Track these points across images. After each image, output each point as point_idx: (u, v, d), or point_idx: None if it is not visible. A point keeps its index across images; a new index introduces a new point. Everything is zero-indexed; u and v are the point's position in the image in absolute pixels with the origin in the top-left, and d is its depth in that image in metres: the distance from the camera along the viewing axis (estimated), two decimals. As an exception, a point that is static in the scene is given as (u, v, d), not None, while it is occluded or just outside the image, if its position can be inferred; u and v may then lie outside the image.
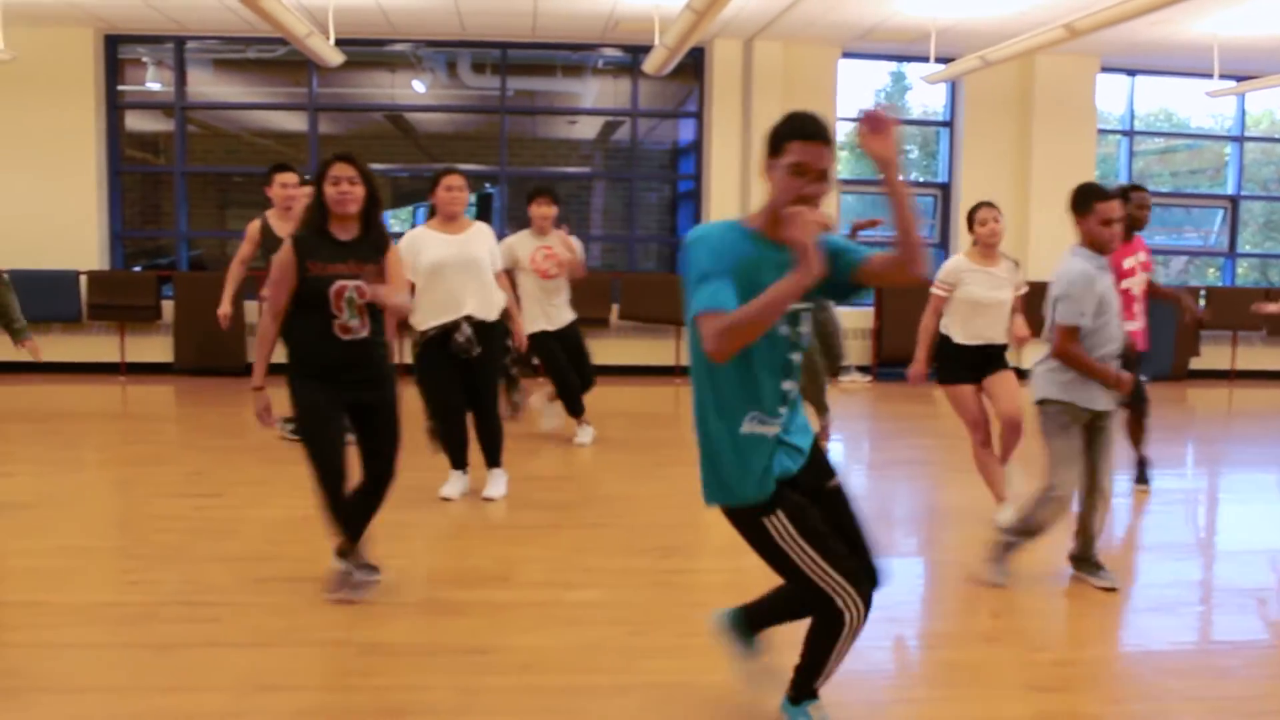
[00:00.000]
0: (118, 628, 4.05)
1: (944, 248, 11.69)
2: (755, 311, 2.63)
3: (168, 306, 10.73)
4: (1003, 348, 5.61)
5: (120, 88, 11.16)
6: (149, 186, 12.01)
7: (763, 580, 3.12)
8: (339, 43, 9.19)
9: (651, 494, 6.26)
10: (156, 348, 10.77)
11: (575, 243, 7.23)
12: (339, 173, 4.10)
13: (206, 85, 11.81)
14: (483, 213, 13.23)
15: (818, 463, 3.05)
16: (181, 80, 11.16)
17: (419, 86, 11.99)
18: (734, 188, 10.91)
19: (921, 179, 13.00)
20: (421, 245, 5.68)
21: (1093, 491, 4.60)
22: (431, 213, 5.88)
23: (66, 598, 4.36)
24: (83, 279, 10.65)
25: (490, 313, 5.75)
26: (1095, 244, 4.38)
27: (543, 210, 7.12)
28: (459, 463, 5.97)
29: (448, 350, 5.64)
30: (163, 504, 5.83)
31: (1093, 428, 4.52)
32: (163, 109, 11.60)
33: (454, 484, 5.94)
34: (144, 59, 11.60)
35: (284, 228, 6.57)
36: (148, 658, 3.79)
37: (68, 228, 10.70)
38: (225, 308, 6.98)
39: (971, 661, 3.90)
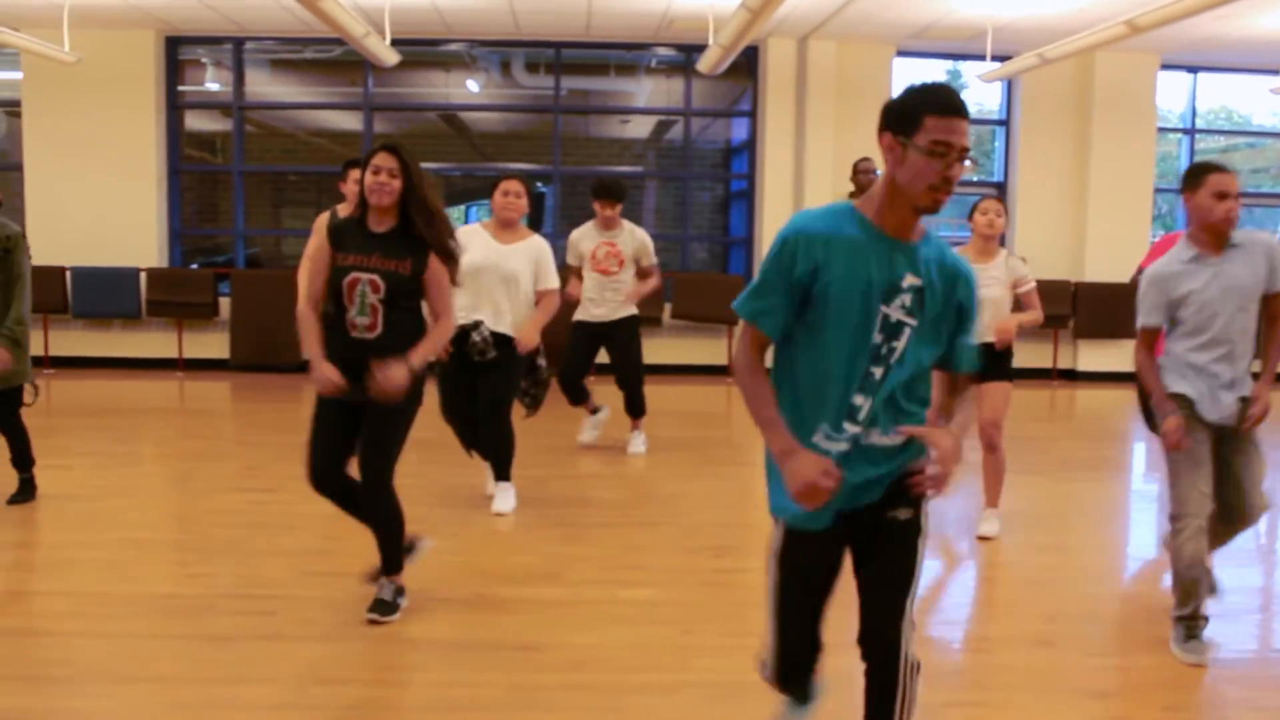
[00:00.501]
0: (176, 619, 4.11)
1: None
2: (752, 406, 2.49)
3: (224, 303, 10.86)
4: (1003, 351, 5.41)
5: (180, 88, 11.31)
6: (207, 185, 12.18)
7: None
8: (394, 43, 9.25)
9: (703, 493, 6.25)
10: (213, 344, 10.91)
11: (644, 236, 7.08)
12: (380, 162, 3.96)
13: (264, 85, 11.95)
14: (535, 212, 13.30)
15: (893, 492, 2.56)
16: (240, 80, 11.29)
17: (473, 86, 12.06)
18: (787, 187, 10.86)
19: (975, 178, 12.88)
20: (467, 244, 5.59)
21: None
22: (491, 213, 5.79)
23: (126, 589, 4.44)
24: (142, 276, 10.82)
25: (508, 326, 5.54)
26: (1206, 224, 3.92)
27: (605, 211, 6.95)
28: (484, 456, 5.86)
29: (464, 351, 5.48)
30: (219, 498, 5.90)
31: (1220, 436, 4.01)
32: (221, 109, 11.75)
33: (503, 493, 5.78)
34: (203, 60, 11.76)
35: None
36: (205, 649, 3.84)
37: (129, 226, 10.86)
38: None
39: (1025, 665, 3.86)
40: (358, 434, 4.03)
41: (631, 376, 7.19)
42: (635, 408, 7.25)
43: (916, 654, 2.58)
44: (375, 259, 3.95)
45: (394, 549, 4.12)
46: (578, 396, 7.19)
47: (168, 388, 10.11)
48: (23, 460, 5.68)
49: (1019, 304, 5.46)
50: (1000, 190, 11.58)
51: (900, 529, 2.56)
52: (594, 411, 7.33)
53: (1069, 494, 6.41)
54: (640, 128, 12.50)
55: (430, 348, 4.02)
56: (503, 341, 5.52)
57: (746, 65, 11.06)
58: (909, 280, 2.43)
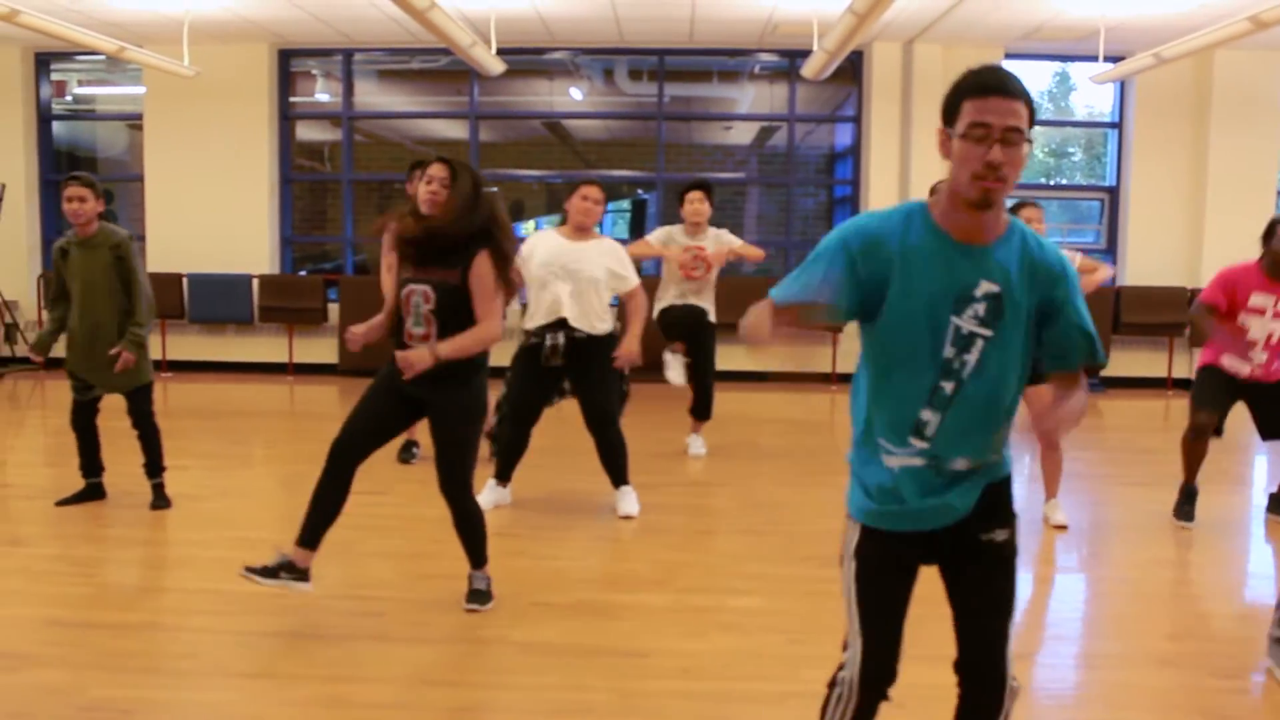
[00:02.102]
0: (288, 617, 4.18)
1: (1112, 252, 11.27)
2: (751, 324, 2.31)
3: (333, 309, 11.09)
4: None
5: (291, 99, 11.59)
6: (316, 194, 12.46)
7: (923, 591, 2.99)
8: (500, 52, 9.36)
9: (808, 501, 6.18)
10: (322, 349, 11.14)
11: (731, 239, 7.04)
12: (434, 172, 4.03)
13: (372, 96, 12.19)
14: (637, 219, 13.33)
15: (985, 511, 2.41)
16: (349, 91, 11.53)
17: (576, 94, 12.14)
18: (892, 192, 10.72)
19: (1085, 181, 12.59)
20: (537, 247, 5.56)
21: None
22: (563, 220, 5.72)
23: (240, 587, 4.50)
24: (255, 283, 11.10)
25: (591, 326, 5.51)
26: None
27: (695, 207, 6.88)
28: (502, 474, 5.81)
29: (537, 360, 5.50)
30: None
31: None
32: (330, 119, 12.01)
33: (488, 494, 5.70)
34: (313, 71, 12.03)
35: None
36: (317, 648, 3.91)
37: (242, 234, 11.16)
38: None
39: (1146, 684, 3.73)
40: (400, 428, 4.25)
41: (707, 376, 7.12)
42: (703, 410, 7.18)
43: (1016, 679, 2.46)
44: (428, 270, 4.02)
45: (478, 545, 4.27)
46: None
47: (278, 391, 10.35)
48: (156, 466, 5.77)
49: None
50: (1112, 195, 11.28)
51: (996, 551, 2.41)
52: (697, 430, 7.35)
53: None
54: (743, 134, 12.46)
55: (461, 345, 4.01)
56: (586, 343, 5.48)
57: (851, 70, 10.95)
58: (984, 288, 2.24)
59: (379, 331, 4.33)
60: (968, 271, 2.24)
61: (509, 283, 4.14)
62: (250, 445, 7.96)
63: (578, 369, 5.53)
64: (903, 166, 10.68)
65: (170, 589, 4.57)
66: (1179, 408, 6.32)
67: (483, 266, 4.01)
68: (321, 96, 12.24)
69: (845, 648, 2.52)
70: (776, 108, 11.69)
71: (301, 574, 4.10)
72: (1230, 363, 5.60)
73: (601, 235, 5.77)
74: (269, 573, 4.06)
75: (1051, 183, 12.62)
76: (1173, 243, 10.79)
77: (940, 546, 2.41)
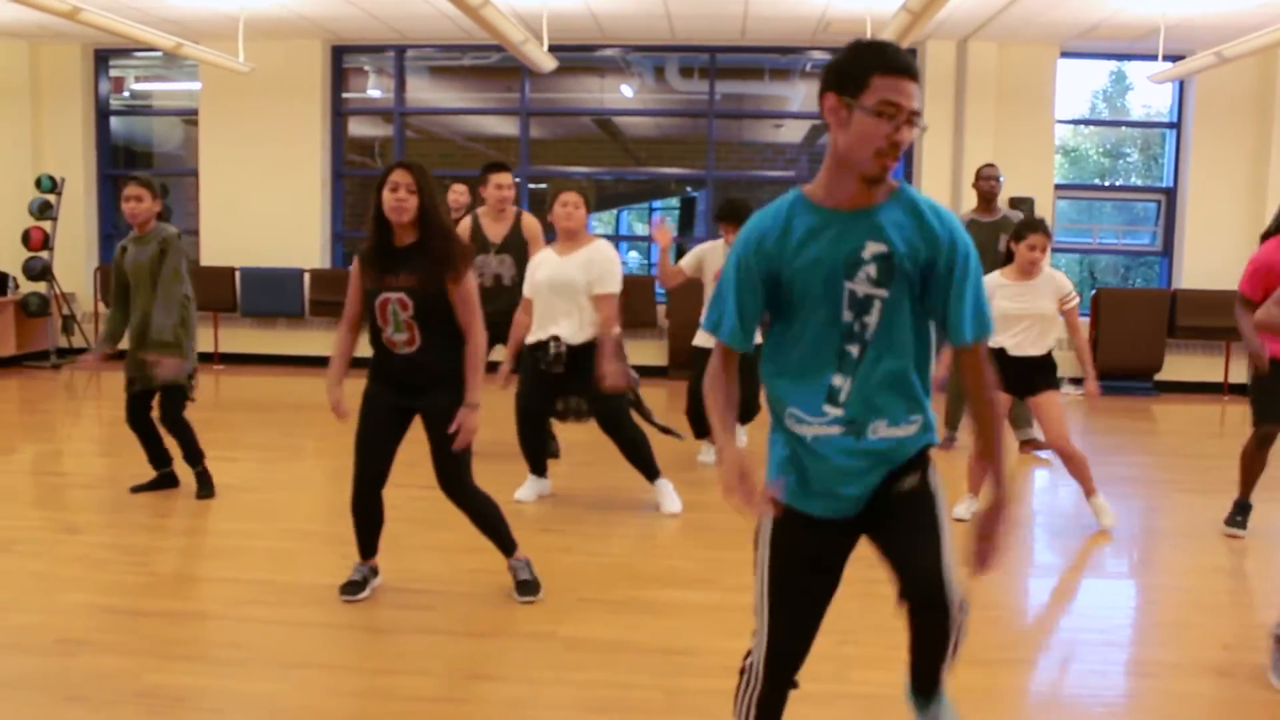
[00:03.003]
0: (338, 609, 4.22)
1: (1168, 255, 11.11)
2: (711, 410, 2.44)
3: (383, 304, 11.15)
4: (1047, 364, 5.57)
5: (344, 95, 11.69)
6: (367, 189, 12.50)
7: (973, 593, 2.97)
8: (551, 49, 9.38)
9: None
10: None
11: None
12: (398, 179, 3.98)
13: (423, 92, 12.26)
14: (686, 216, 13.32)
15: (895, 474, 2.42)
16: (400, 87, 11.60)
17: (627, 91, 12.14)
18: (944, 191, 10.63)
19: (1141, 183, 12.42)
20: (538, 265, 5.72)
21: None
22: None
23: (291, 578, 4.58)
24: (306, 277, 11.20)
25: (583, 335, 5.59)
26: None
27: (730, 236, 6.78)
28: (535, 467, 5.94)
29: (537, 362, 5.63)
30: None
31: None
32: (382, 115, 12.09)
33: (528, 488, 5.93)
34: (366, 68, 12.13)
35: (495, 229, 6.68)
36: (366, 639, 3.94)
37: (294, 228, 11.28)
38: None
39: (1201, 694, 3.66)
40: (402, 435, 4.23)
41: (751, 384, 6.98)
42: (745, 413, 7.06)
43: (965, 595, 2.42)
44: (401, 278, 4.02)
45: (499, 534, 4.37)
46: (704, 428, 6.87)
47: (328, 385, 10.42)
48: (193, 456, 5.90)
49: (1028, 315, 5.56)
50: (1169, 196, 11.12)
51: (910, 498, 2.40)
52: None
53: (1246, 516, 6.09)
54: (793, 132, 12.41)
55: (476, 377, 4.08)
56: (579, 350, 5.56)
57: (903, 68, 10.86)
58: (871, 249, 2.26)
59: (342, 369, 4.31)
60: (853, 236, 2.27)
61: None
62: (301, 438, 8.04)
63: (575, 376, 5.60)
64: (955, 165, 10.58)
65: (222, 579, 4.62)
66: (1234, 413, 6.22)
67: (469, 284, 4.07)
68: (373, 93, 12.34)
69: (754, 631, 2.55)
70: (828, 106, 11.61)
71: (376, 571, 4.44)
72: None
73: (596, 240, 5.75)
74: (356, 588, 4.30)
75: (1107, 183, 12.46)
76: (1230, 245, 10.59)
77: (851, 529, 2.45)
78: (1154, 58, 9.52)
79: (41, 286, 11.10)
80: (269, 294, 11.20)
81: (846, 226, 2.28)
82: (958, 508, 5.64)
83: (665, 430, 6.16)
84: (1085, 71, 11.68)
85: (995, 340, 5.47)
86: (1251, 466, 5.61)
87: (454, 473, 4.19)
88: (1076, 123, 12.01)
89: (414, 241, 4.05)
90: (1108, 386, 10.68)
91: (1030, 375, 5.49)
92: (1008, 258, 5.62)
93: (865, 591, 4.56)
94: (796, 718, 3.40)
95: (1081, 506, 5.91)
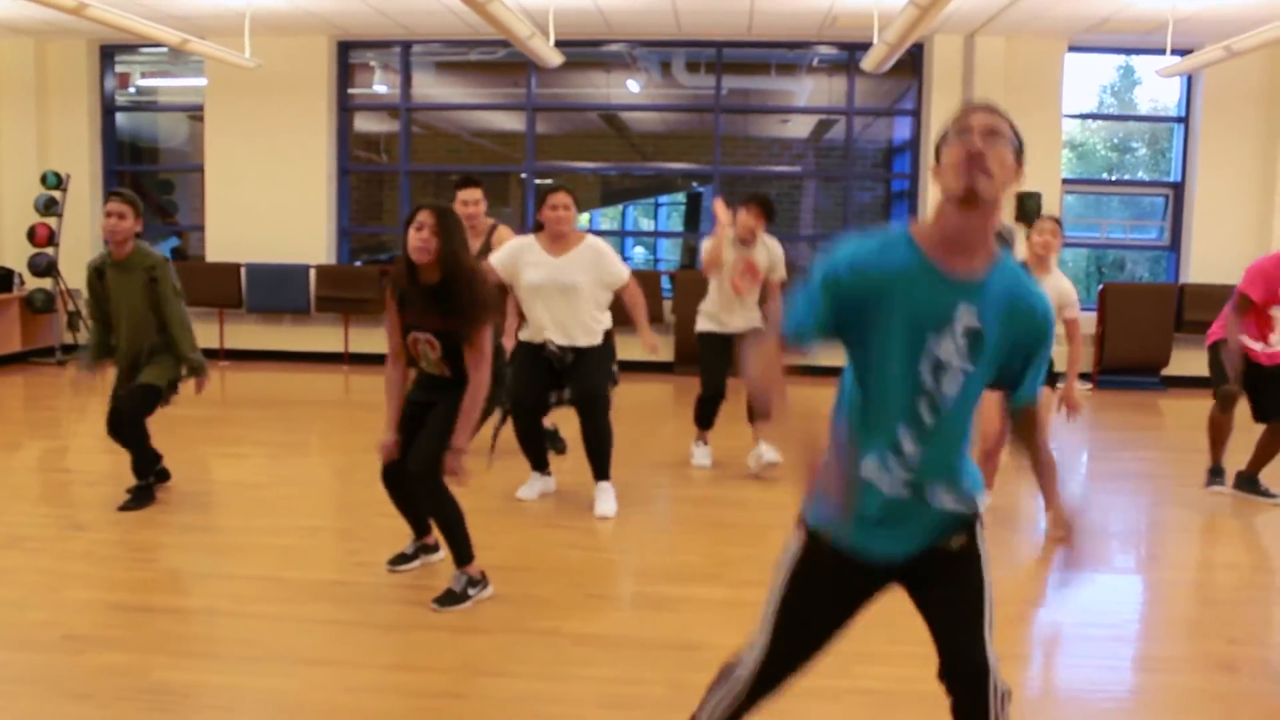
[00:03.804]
0: (345, 605, 4.22)
1: (1175, 250, 11.08)
2: (756, 377, 2.29)
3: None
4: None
5: (350, 91, 11.69)
6: (373, 185, 12.55)
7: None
8: (557, 44, 9.37)
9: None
10: (378, 339, 11.21)
11: (775, 247, 6.79)
12: (424, 219, 4.07)
13: (429, 87, 12.25)
14: (692, 211, 13.31)
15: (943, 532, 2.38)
16: (407, 83, 11.60)
17: (633, 86, 12.12)
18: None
19: (1149, 177, 12.39)
20: (524, 262, 5.60)
21: None
22: (538, 227, 5.72)
23: (299, 574, 4.59)
24: (312, 273, 11.21)
25: (582, 338, 5.61)
26: None
27: (747, 221, 6.64)
28: (537, 464, 5.90)
29: (538, 354, 5.64)
30: (384, 490, 6.04)
31: None
32: (389, 110, 12.09)
33: (531, 485, 5.90)
34: (371, 63, 12.12)
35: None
36: (374, 636, 3.94)
37: (300, 224, 11.28)
38: None
39: (1209, 690, 3.65)
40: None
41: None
42: (710, 418, 6.81)
43: (1006, 682, 2.37)
44: (430, 319, 4.16)
45: (456, 539, 4.27)
46: (710, 420, 6.79)
47: (334, 380, 10.45)
48: (143, 467, 5.64)
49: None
50: (1176, 191, 11.09)
51: (957, 558, 2.36)
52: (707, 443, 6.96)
53: (1255, 510, 6.08)
54: (800, 127, 12.39)
55: (467, 424, 4.15)
56: (576, 353, 5.61)
57: (910, 62, 10.85)
58: (964, 321, 2.22)
59: (398, 410, 4.42)
60: (949, 300, 2.21)
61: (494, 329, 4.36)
62: (307, 434, 8.04)
63: (573, 369, 5.64)
64: (961, 161, 10.56)
65: (229, 575, 4.63)
66: (1242, 408, 6.21)
67: (484, 337, 4.16)
68: (380, 88, 12.33)
69: (749, 645, 2.49)
70: (835, 101, 11.60)
71: (433, 548, 4.68)
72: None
73: (585, 236, 5.72)
74: (406, 559, 4.58)
75: (1114, 178, 12.43)
76: (1238, 240, 10.57)
77: (905, 569, 2.39)
78: (1162, 52, 9.49)
79: (47, 283, 11.11)
80: (275, 290, 11.20)
81: (945, 290, 2.22)
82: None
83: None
84: (1093, 66, 11.64)
85: None
86: (1218, 432, 6.13)
87: (428, 459, 4.18)
88: (1084, 117, 11.97)
89: (439, 281, 4.11)
90: (1115, 381, 10.67)
91: None
92: None
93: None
94: (802, 714, 3.41)
95: (1090, 501, 5.89)
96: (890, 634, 3.98)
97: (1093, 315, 10.84)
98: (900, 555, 2.36)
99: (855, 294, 2.22)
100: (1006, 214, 8.05)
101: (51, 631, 3.88)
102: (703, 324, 6.72)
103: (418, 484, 4.25)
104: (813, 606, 2.42)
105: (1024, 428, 2.44)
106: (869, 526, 2.33)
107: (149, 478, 5.66)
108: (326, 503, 6.03)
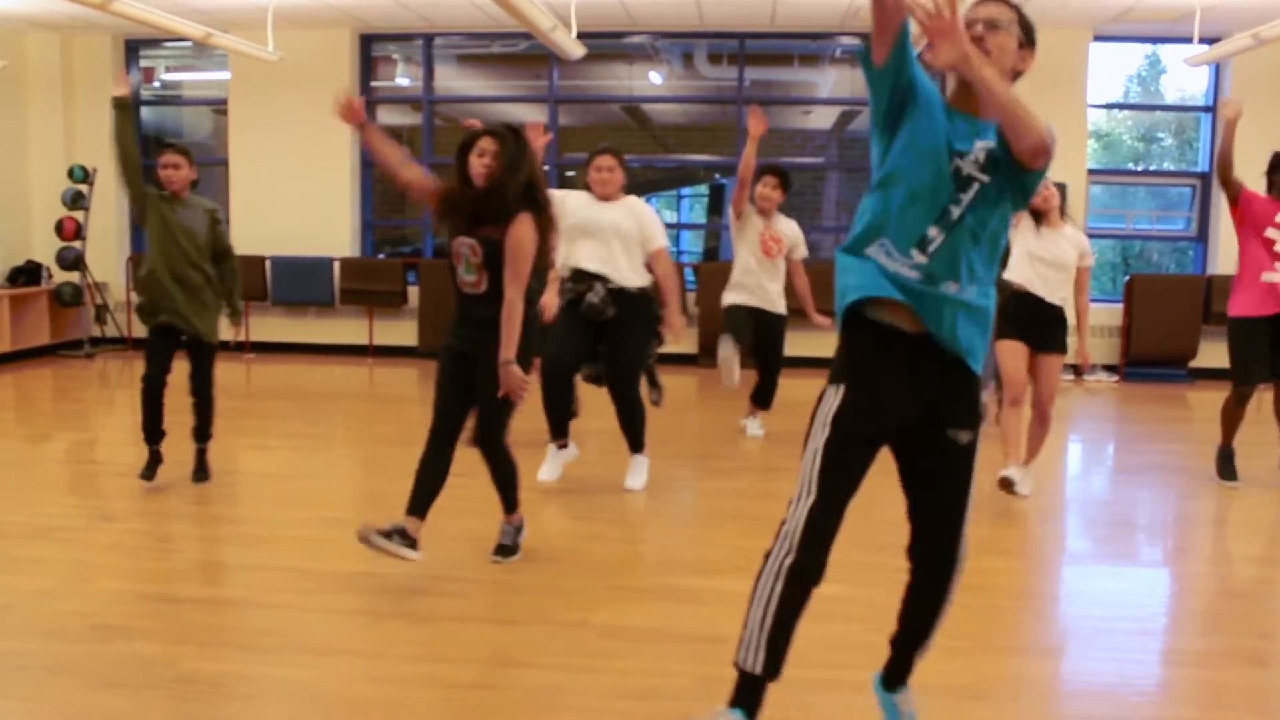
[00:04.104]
0: (371, 597, 4.24)
1: (1203, 241, 10.99)
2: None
3: (413, 292, 11.21)
4: (1059, 317, 5.70)
5: (372, 83, 11.72)
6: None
7: (1008, 582, 2.97)
8: (580, 35, 9.36)
9: (884, 488, 6.06)
10: (402, 331, 11.27)
11: (793, 230, 7.09)
12: (485, 145, 4.27)
13: (452, 80, 12.27)
14: (715, 203, 13.28)
15: (954, 409, 2.73)
16: (429, 75, 11.62)
17: (655, 78, 12.10)
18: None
19: (1175, 168, 12.29)
20: (570, 206, 5.63)
21: None
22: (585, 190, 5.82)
23: (325, 566, 4.61)
24: (336, 265, 11.25)
25: (627, 279, 5.58)
26: None
27: (765, 191, 6.88)
28: (557, 432, 5.82)
29: (579, 312, 5.57)
30: (408, 482, 5.99)
31: None
32: (411, 103, 12.11)
33: (551, 464, 5.85)
34: (394, 56, 12.14)
35: None
36: (400, 627, 3.95)
37: (324, 217, 11.32)
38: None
39: (1239, 684, 3.62)
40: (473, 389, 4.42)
41: (774, 369, 7.20)
42: (765, 398, 7.27)
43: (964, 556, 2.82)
44: (475, 227, 4.31)
45: (508, 491, 4.62)
46: (767, 399, 7.28)
47: (358, 373, 10.49)
48: (203, 431, 5.91)
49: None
50: (1204, 181, 10.99)
51: (960, 451, 2.73)
52: (754, 413, 7.43)
53: (1284, 502, 6.05)
54: (823, 118, 12.34)
55: (512, 337, 4.27)
56: (621, 299, 5.55)
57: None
58: (980, 144, 2.62)
59: (388, 152, 4.60)
60: (967, 130, 2.64)
61: (549, 245, 4.43)
62: (332, 426, 8.08)
63: (610, 324, 5.58)
64: (986, 151, 10.49)
65: (257, 566, 4.65)
66: (1270, 401, 6.16)
67: (521, 228, 4.25)
68: (402, 81, 12.35)
69: (791, 504, 2.78)
70: (858, 92, 11.55)
71: (411, 541, 4.33)
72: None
73: (625, 195, 5.77)
74: (384, 534, 4.30)
75: (1140, 168, 12.34)
76: (1267, 230, 10.46)
77: (909, 435, 2.74)
78: (1189, 40, 9.40)
79: (74, 276, 11.20)
80: (299, 283, 11.25)
81: (965, 122, 2.65)
82: (1011, 472, 5.57)
83: (654, 386, 6.24)
84: (1119, 55, 11.55)
85: (1018, 279, 5.66)
86: (1230, 420, 6.25)
87: (493, 427, 4.45)
88: (1110, 107, 11.89)
89: (489, 196, 4.28)
90: (1141, 374, 10.60)
91: (1044, 325, 5.63)
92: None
93: (895, 579, 4.55)
94: (829, 705, 3.41)
95: (1116, 495, 5.88)
96: (916, 626, 3.98)
97: (1119, 307, 10.77)
98: (926, 320, 2.64)
99: (910, 94, 2.64)
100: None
101: (81, 621, 3.92)
102: (729, 297, 6.95)
103: (485, 453, 4.50)
104: (850, 458, 2.72)
105: None
106: (898, 286, 2.64)
107: (206, 440, 5.95)
108: (352, 494, 6.06)
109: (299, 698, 3.38)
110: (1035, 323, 5.62)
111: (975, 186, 2.62)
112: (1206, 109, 11.02)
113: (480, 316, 4.33)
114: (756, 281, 6.89)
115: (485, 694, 3.42)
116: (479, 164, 4.26)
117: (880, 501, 6.01)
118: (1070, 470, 7.26)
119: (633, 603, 4.23)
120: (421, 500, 4.45)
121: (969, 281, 2.65)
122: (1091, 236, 11.16)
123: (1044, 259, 5.61)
